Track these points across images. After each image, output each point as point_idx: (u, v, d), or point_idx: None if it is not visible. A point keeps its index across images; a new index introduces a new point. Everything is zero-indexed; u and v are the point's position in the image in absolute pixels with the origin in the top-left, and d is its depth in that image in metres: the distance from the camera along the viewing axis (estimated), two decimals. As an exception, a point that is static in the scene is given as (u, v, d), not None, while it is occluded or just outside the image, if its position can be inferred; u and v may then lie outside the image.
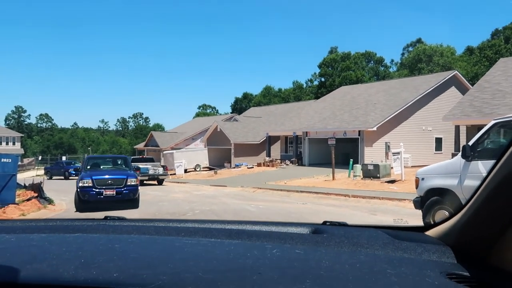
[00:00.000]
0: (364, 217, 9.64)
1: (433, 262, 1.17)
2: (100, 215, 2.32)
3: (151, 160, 26.98)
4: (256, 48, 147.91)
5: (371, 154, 26.56)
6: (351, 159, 22.24)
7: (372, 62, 62.87)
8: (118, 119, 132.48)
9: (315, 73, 69.11)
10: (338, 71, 59.76)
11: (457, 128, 24.81)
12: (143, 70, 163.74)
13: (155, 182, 25.50)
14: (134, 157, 28.11)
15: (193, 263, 1.11)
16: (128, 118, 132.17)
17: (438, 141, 31.06)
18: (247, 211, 11.20)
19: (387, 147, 27.54)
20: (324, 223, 1.68)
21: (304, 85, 72.86)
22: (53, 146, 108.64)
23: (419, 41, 62.00)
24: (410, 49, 63.35)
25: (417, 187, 7.65)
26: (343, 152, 31.43)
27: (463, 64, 44.07)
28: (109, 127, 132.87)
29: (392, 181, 17.22)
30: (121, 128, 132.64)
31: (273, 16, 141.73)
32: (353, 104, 32.61)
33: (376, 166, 18.03)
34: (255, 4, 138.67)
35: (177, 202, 14.09)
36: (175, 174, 32.59)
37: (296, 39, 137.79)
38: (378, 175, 17.88)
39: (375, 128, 26.13)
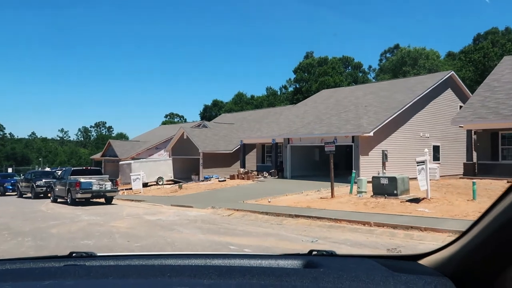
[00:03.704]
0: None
1: None
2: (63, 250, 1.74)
3: (97, 172, 21.56)
4: (227, 54, 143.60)
5: (367, 164, 22.34)
6: (354, 171, 17.82)
7: (349, 67, 59.72)
8: (79, 129, 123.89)
9: (290, 79, 65.38)
10: (315, 76, 56.09)
11: (470, 133, 21.09)
12: (108, 78, 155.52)
13: (103, 200, 20.20)
14: (75, 168, 22.56)
15: None
16: (90, 128, 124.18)
17: (436, 150, 27.30)
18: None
19: (384, 156, 23.45)
20: (310, 252, 1.63)
21: (278, 92, 68.90)
22: (4, 157, 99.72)
23: (396, 47, 59.55)
24: (388, 55, 60.80)
25: None
26: (326, 162, 27.11)
27: (449, 69, 41.32)
28: (69, 137, 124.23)
29: (416, 200, 12.86)
30: (82, 138, 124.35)
31: (244, 21, 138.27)
32: (339, 108, 28.47)
33: (393, 180, 13.62)
34: (224, 9, 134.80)
35: (112, 239, 9.03)
36: (131, 189, 27.23)
37: (269, 45, 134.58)
38: (395, 192, 13.47)
39: (371, 133, 21.95)
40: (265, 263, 1.48)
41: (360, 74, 59.61)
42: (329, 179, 22.88)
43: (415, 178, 15.89)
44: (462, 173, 21.57)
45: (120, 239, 8.88)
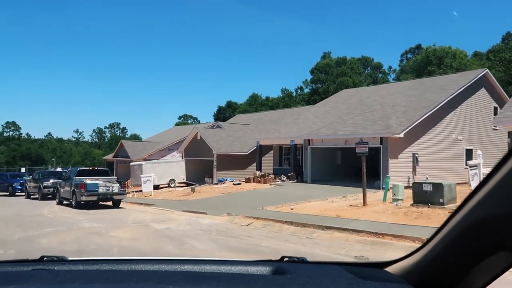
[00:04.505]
0: None
1: None
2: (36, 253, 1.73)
3: (104, 173, 20.09)
4: (241, 55, 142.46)
5: (397, 168, 20.43)
6: (388, 176, 15.99)
7: (369, 68, 57.55)
8: (94, 130, 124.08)
9: (306, 80, 63.44)
10: (333, 77, 54.14)
11: (513, 134, 19.02)
12: (122, 79, 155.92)
13: (111, 203, 18.76)
14: (81, 168, 21.13)
15: None
16: (104, 128, 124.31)
17: (469, 154, 25.15)
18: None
19: (415, 160, 21.49)
20: (282, 259, 1.63)
21: (294, 93, 67.10)
22: (19, 156, 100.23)
23: (418, 47, 57.22)
24: (409, 55, 58.51)
25: None
26: (354, 165, 25.27)
27: (477, 68, 39.01)
28: (84, 137, 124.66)
29: (467, 211, 10.96)
30: (97, 139, 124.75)
31: (258, 21, 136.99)
32: (364, 107, 26.61)
33: (438, 187, 11.73)
34: (238, 9, 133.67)
35: (109, 256, 7.42)
36: (141, 191, 25.81)
37: (284, 45, 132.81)
38: (441, 201, 11.59)
39: (402, 135, 20.04)
40: (234, 269, 1.46)
41: (380, 75, 57.41)
42: (353, 184, 21.24)
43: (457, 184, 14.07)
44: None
45: (118, 256, 7.28)
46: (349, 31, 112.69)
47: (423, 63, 42.36)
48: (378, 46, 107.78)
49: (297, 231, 9.99)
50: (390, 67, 62.15)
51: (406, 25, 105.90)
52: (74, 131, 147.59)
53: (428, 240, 1.21)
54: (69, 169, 26.08)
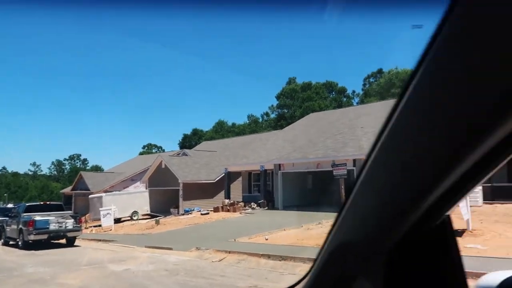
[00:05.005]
0: None
1: None
2: None
3: (58, 207, 18.14)
4: (206, 83, 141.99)
5: (371, 190, 19.78)
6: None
7: (333, 92, 58.35)
8: (52, 162, 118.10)
9: (272, 105, 63.44)
10: (299, 102, 54.33)
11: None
12: (84, 109, 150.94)
13: (64, 241, 16.79)
14: (30, 203, 19.04)
15: None
16: (64, 160, 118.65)
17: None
18: None
19: (389, 181, 20.98)
20: None
21: (260, 119, 66.81)
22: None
23: (379, 71, 58.83)
24: (372, 79, 59.97)
25: None
26: (327, 189, 24.49)
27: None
28: (42, 170, 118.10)
29: (458, 233, 10.23)
30: (55, 172, 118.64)
31: (222, 50, 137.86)
32: (333, 130, 26.18)
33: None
34: (201, 39, 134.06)
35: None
36: (101, 226, 23.75)
37: (248, 73, 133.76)
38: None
39: (374, 156, 19.51)
40: None
41: (344, 99, 58.27)
42: (327, 209, 20.26)
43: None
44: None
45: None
46: (313, 56, 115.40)
47: (387, 86, 43.29)
48: (342, 71, 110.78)
49: (277, 266, 8.80)
50: (353, 91, 63.40)
51: (367, 50, 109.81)
52: (31, 164, 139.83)
53: (315, 260, 1.19)
54: (18, 205, 23.70)
